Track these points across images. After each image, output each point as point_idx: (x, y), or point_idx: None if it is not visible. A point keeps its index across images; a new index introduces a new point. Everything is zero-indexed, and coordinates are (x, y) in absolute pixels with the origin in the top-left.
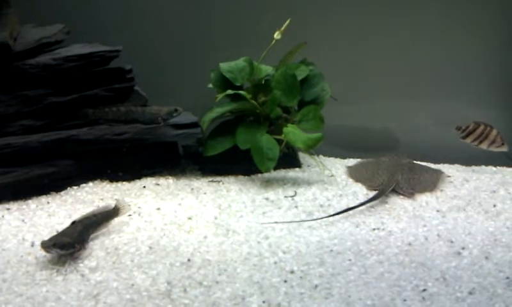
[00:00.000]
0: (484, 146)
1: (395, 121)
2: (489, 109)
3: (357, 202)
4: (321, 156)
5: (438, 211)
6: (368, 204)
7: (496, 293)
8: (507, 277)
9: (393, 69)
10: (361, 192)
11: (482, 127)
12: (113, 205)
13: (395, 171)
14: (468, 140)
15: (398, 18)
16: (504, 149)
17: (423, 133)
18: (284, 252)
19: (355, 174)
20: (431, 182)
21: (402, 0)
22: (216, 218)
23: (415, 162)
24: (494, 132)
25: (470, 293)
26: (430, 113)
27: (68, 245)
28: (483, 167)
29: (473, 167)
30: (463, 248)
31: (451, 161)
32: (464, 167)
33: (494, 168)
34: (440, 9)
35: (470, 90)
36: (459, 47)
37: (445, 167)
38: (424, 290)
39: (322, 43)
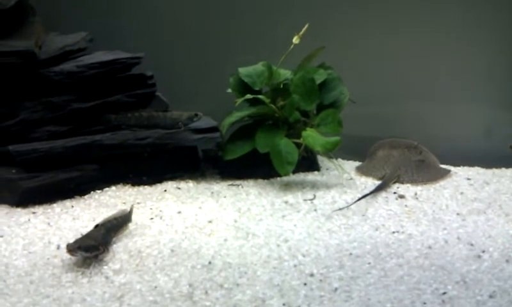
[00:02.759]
0: None
1: (414, 123)
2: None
3: (376, 204)
4: (340, 159)
5: (458, 214)
6: (387, 208)
7: None
8: None
9: (411, 72)
10: (380, 195)
11: None
12: (128, 210)
13: (400, 166)
14: None
15: (416, 21)
16: None
17: (443, 135)
18: (304, 256)
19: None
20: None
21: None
22: (235, 221)
23: (425, 159)
24: None
25: (491, 296)
26: (450, 115)
27: (93, 248)
28: (503, 169)
29: (494, 170)
30: (483, 251)
31: (471, 163)
32: (484, 169)
33: None
34: (460, 9)
35: (489, 91)
36: (478, 48)
37: (464, 170)
38: (444, 293)
39: (341, 47)
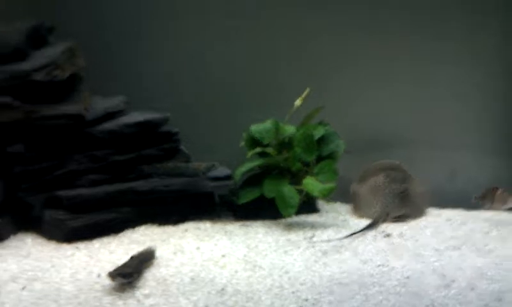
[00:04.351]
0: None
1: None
2: (488, 155)
3: (367, 242)
4: (338, 202)
5: (436, 250)
6: (375, 245)
7: None
8: (486, 305)
9: (402, 121)
10: (370, 234)
11: (491, 189)
12: (152, 249)
13: (387, 202)
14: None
15: (406, 76)
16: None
17: (431, 179)
18: (301, 284)
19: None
20: (418, 212)
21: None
22: (245, 256)
23: (408, 188)
24: (499, 191)
25: None
26: (436, 161)
27: (129, 275)
28: (481, 211)
29: (473, 212)
30: (453, 281)
31: (454, 205)
32: (465, 211)
33: (492, 212)
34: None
35: (472, 139)
36: (465, 98)
37: (447, 212)
38: None
39: (342, 101)
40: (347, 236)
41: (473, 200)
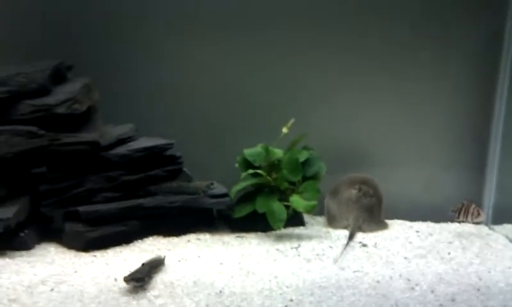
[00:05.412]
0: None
1: (382, 184)
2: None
3: (345, 251)
4: (323, 216)
5: (405, 258)
6: (353, 254)
7: None
8: (441, 304)
9: (375, 142)
10: (349, 244)
11: (466, 203)
12: (162, 257)
13: (359, 215)
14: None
15: (377, 98)
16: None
17: (403, 194)
18: (287, 287)
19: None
20: (383, 225)
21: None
22: (239, 263)
23: (374, 203)
24: (473, 205)
25: None
26: (409, 177)
27: (141, 279)
28: (449, 223)
29: (442, 224)
30: (417, 285)
31: (423, 219)
32: (434, 224)
33: (458, 224)
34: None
35: (438, 153)
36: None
37: (417, 224)
38: None
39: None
40: (341, 252)
41: (450, 213)
